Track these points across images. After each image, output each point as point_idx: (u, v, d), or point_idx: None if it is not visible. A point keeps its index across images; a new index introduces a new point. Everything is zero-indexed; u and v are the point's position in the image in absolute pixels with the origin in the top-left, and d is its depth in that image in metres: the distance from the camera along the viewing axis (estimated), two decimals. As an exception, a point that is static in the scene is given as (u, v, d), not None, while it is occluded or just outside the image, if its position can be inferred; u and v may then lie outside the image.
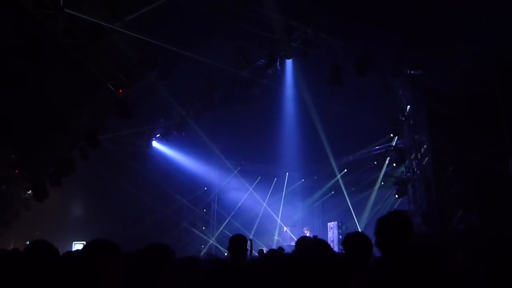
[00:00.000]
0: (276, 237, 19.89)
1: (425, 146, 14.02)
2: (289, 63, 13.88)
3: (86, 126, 10.93)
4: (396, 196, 13.74)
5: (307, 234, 17.91)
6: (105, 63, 9.55)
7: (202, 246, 18.78)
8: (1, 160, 11.44)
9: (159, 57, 10.52)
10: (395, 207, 14.75)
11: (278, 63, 13.24)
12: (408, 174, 14.06)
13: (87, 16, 9.23)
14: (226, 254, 14.08)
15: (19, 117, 9.78)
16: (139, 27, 10.08)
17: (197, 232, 19.42)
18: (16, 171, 11.49)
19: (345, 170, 18.57)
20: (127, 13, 10.13)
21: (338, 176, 18.15)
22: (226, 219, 19.77)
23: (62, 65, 9.47)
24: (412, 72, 14.17)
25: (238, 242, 4.92)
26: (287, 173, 21.24)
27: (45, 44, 8.96)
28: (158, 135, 18.16)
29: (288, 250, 15.18)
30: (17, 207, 14.49)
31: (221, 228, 19.64)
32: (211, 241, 19.27)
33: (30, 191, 12.36)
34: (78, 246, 17.40)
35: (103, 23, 9.26)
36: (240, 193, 20.44)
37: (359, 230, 16.54)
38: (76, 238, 17.44)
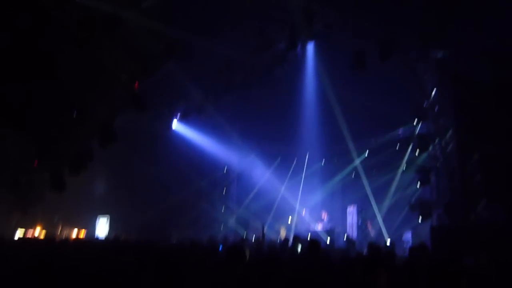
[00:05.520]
0: (295, 218, 19.79)
1: (449, 133, 13.54)
2: (310, 47, 13.49)
3: (102, 118, 10.95)
4: (418, 185, 13.44)
5: (325, 218, 17.83)
6: (120, 55, 9.42)
7: (222, 228, 18.95)
8: (20, 152, 11.64)
9: (177, 45, 10.30)
10: (416, 195, 14.44)
11: (299, 47, 12.87)
12: (432, 162, 13.68)
13: (102, 5, 9.04)
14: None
15: (37, 110, 9.84)
16: (156, 15, 9.85)
17: (216, 213, 19.58)
18: (36, 163, 11.68)
19: (366, 153, 18.21)
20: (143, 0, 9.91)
21: (358, 160, 17.84)
22: (246, 201, 19.82)
23: (79, 57, 9.40)
24: (438, 56, 13.56)
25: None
26: (307, 154, 20.99)
27: (60, 37, 8.87)
28: (178, 117, 18.13)
29: (305, 234, 15.12)
30: (40, 188, 14.79)
31: (241, 209, 19.75)
32: (230, 223, 19.38)
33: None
34: (102, 219, 17.91)
35: (118, 12, 9.07)
36: (259, 174, 20.39)
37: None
38: (100, 212, 17.89)
